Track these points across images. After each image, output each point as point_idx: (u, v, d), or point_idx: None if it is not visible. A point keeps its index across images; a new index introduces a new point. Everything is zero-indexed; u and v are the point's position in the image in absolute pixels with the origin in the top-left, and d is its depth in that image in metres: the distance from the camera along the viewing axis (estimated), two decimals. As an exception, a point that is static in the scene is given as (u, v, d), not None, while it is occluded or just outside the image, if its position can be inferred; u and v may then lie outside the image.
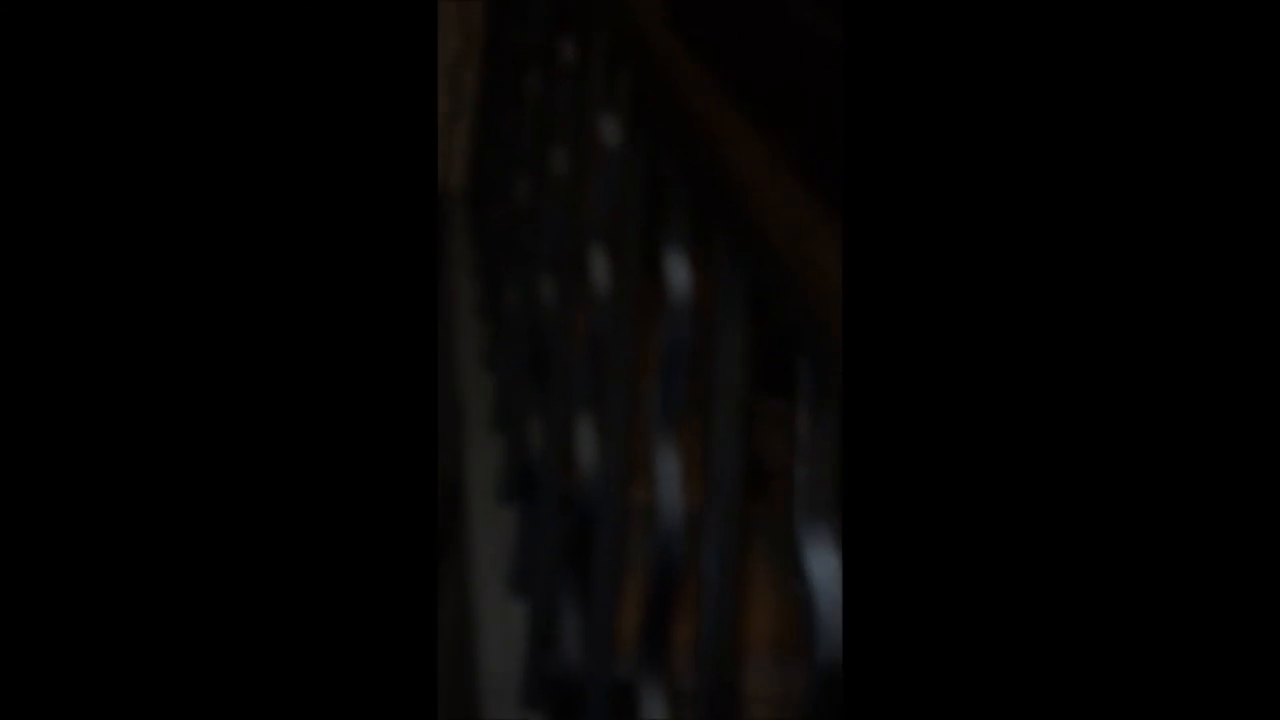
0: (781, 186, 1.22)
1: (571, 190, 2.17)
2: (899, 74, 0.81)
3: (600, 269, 1.91)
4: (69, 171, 0.90)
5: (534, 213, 2.42)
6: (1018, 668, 0.74)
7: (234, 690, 0.87)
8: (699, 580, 1.32)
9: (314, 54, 0.91)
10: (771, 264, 1.16)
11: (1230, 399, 0.75)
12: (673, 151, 1.58)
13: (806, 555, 1.03)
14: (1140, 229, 0.78)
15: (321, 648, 0.88)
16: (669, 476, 1.47)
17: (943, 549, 0.76)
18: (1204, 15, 0.79)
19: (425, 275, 0.93)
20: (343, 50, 0.92)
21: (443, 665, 2.38)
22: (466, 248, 3.33)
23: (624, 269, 1.84)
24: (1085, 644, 0.74)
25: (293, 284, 0.91)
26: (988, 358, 0.78)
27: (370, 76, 0.92)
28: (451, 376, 2.88)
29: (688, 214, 1.53)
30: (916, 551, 0.76)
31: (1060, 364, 0.77)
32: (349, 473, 0.90)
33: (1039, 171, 0.80)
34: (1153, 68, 0.79)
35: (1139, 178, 0.79)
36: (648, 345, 1.69)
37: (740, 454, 1.32)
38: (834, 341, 0.99)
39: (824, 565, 1.03)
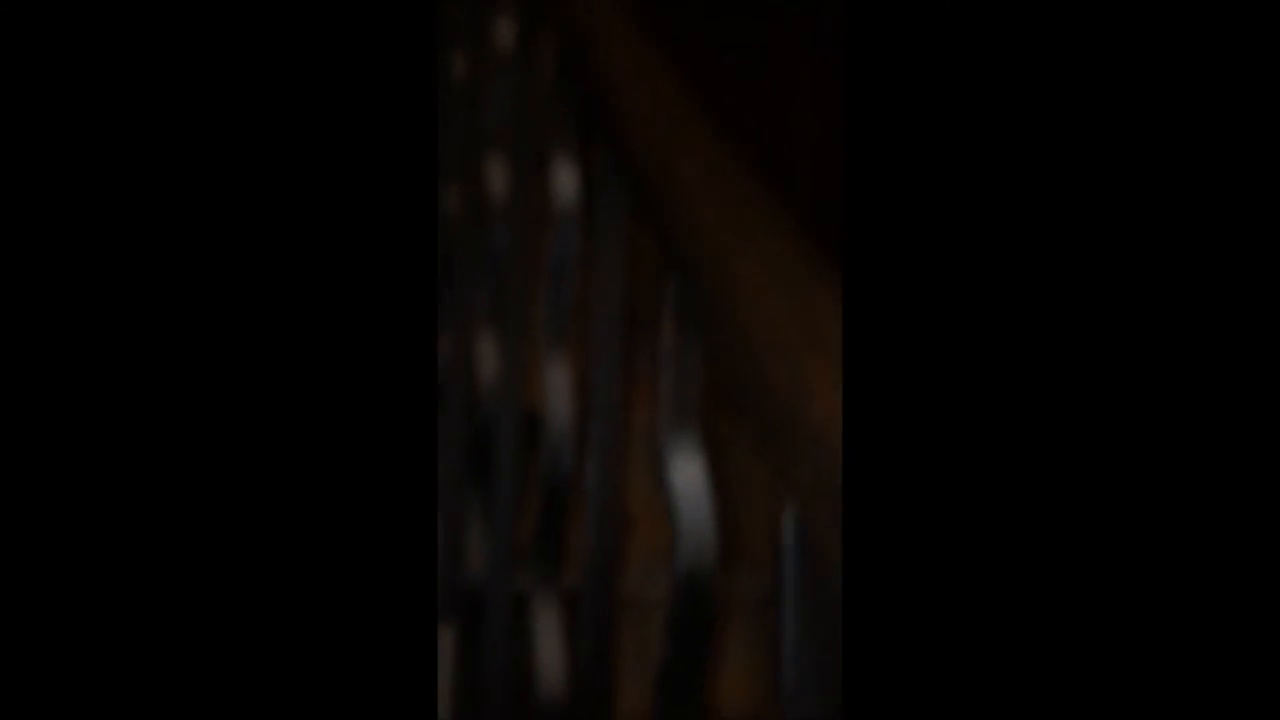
0: (662, 98, 1.20)
1: (470, 95, 2.15)
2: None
3: (497, 178, 1.89)
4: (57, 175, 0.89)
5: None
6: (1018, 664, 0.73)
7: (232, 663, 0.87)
8: (585, 488, 1.32)
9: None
10: (645, 181, 1.15)
11: (1230, 402, 0.75)
12: (561, 55, 1.56)
13: (672, 464, 1.03)
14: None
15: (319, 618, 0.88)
16: (558, 388, 1.46)
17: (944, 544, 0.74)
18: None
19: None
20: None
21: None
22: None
23: (521, 178, 1.82)
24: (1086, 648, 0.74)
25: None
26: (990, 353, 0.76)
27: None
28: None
29: (576, 121, 1.51)
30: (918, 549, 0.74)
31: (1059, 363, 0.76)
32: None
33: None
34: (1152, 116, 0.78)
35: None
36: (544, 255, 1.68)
37: (621, 364, 1.31)
38: (701, 258, 0.98)
39: (689, 473, 1.03)
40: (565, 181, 1.52)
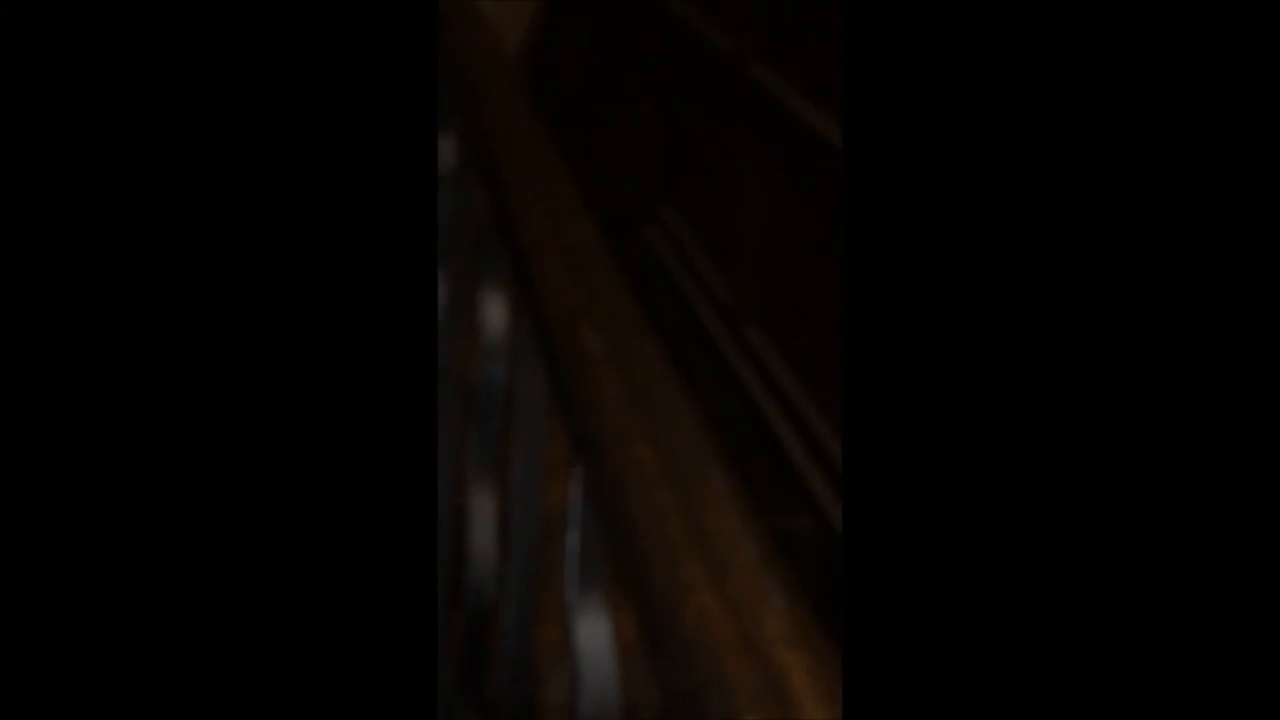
0: (575, 262, 1.24)
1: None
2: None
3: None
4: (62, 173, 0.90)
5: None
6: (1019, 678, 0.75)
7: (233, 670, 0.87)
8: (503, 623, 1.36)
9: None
10: (557, 349, 1.20)
11: (1230, 401, 0.75)
12: (488, 192, 1.61)
13: (577, 623, 1.07)
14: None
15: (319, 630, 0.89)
16: (483, 517, 1.51)
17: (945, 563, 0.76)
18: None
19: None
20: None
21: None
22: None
23: (456, 297, 1.86)
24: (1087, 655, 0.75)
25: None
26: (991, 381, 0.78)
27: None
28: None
29: (505, 256, 1.56)
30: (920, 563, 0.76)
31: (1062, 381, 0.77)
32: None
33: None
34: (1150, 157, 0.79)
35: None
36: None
37: (539, 504, 1.35)
38: (604, 441, 1.01)
39: (594, 633, 1.07)
40: (495, 313, 1.57)
